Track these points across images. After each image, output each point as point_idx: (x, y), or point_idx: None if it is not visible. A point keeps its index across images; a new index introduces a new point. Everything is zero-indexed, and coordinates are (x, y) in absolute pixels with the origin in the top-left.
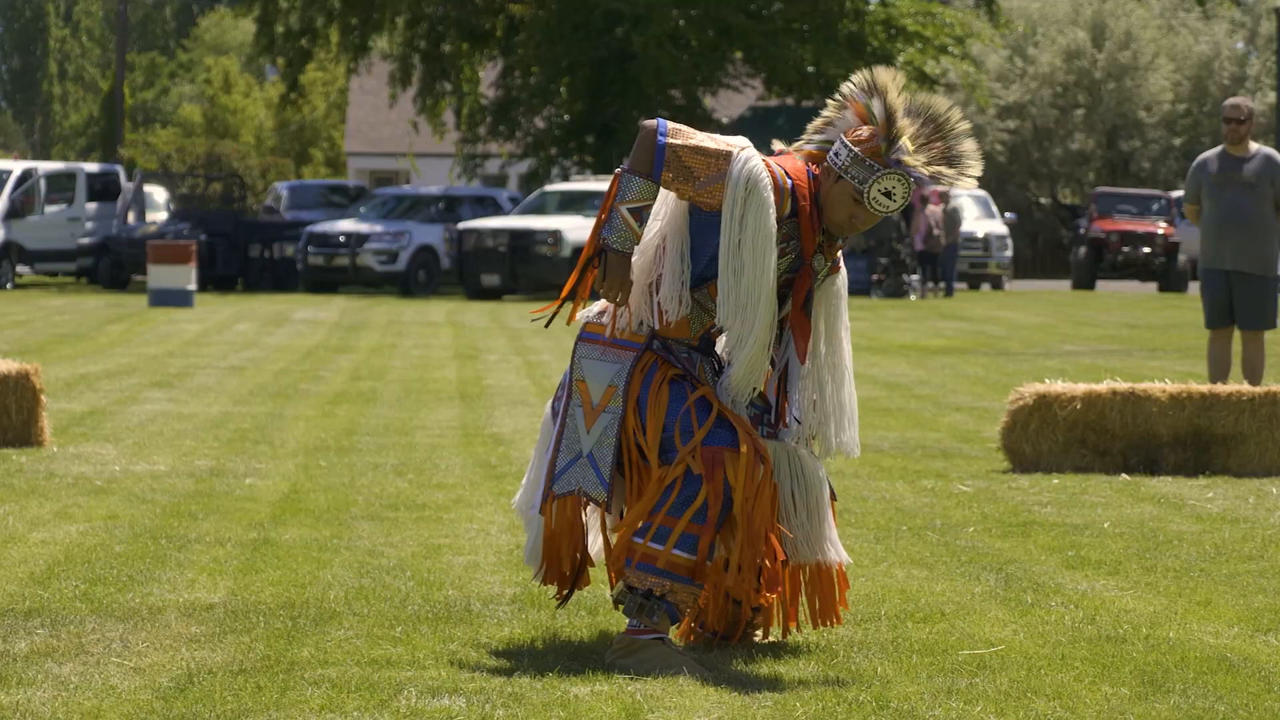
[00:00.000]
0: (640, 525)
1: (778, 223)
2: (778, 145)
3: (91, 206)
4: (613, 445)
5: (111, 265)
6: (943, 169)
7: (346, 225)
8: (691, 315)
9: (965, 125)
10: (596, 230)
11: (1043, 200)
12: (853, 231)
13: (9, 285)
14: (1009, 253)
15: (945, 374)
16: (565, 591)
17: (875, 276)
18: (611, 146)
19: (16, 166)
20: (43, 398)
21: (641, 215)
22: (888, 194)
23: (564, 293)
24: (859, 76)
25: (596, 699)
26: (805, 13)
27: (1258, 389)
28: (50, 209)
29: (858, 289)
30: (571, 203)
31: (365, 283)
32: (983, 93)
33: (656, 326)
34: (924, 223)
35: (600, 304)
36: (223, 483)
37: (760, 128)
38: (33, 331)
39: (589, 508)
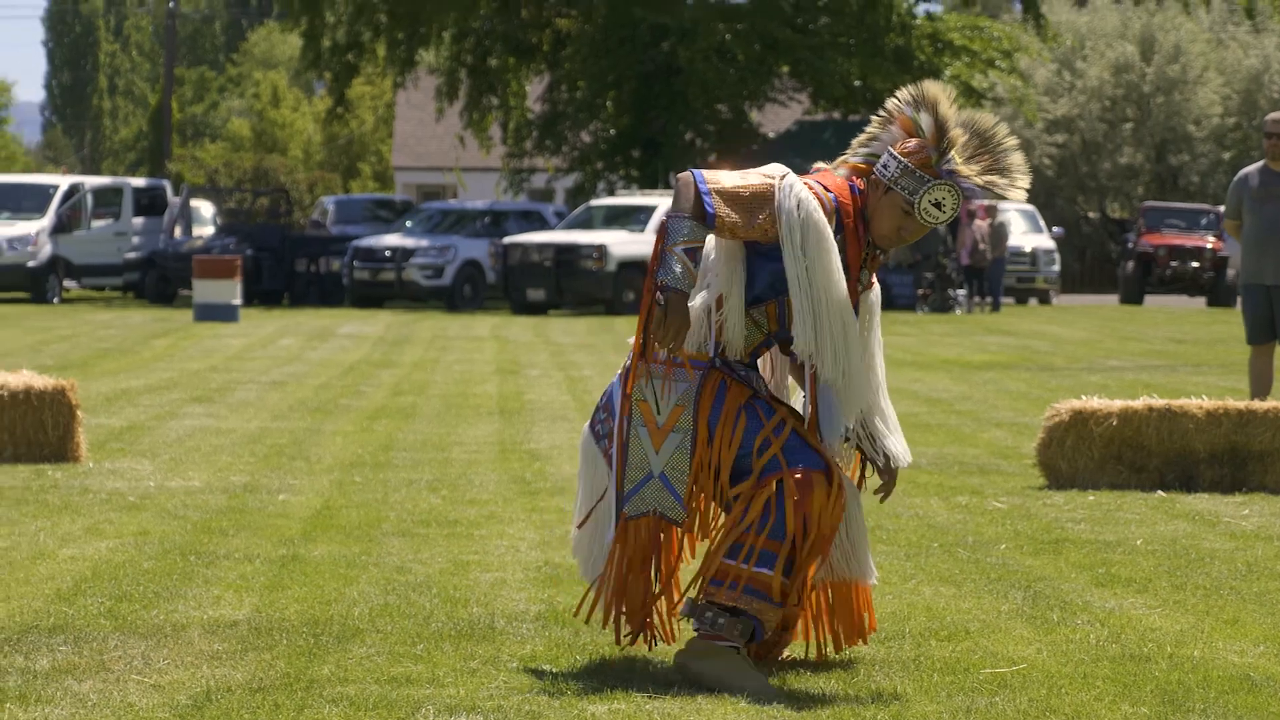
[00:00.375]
0: (730, 545)
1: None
2: (817, 165)
3: (138, 221)
4: (686, 464)
5: (158, 280)
6: (995, 179)
7: (392, 240)
8: (746, 334)
9: (1013, 139)
10: (651, 274)
11: (1091, 215)
12: (900, 243)
13: (56, 300)
14: (1056, 267)
15: (987, 389)
16: (639, 622)
17: (921, 291)
18: (657, 161)
19: (64, 181)
20: (79, 413)
21: (695, 256)
22: (938, 204)
23: (636, 349)
24: (905, 91)
25: (614, 717)
26: (851, 27)
27: None
28: (97, 224)
29: (903, 304)
30: (617, 217)
31: (411, 297)
32: (1030, 107)
33: (713, 350)
34: (970, 237)
35: None
36: (256, 499)
37: (806, 142)
38: (78, 346)
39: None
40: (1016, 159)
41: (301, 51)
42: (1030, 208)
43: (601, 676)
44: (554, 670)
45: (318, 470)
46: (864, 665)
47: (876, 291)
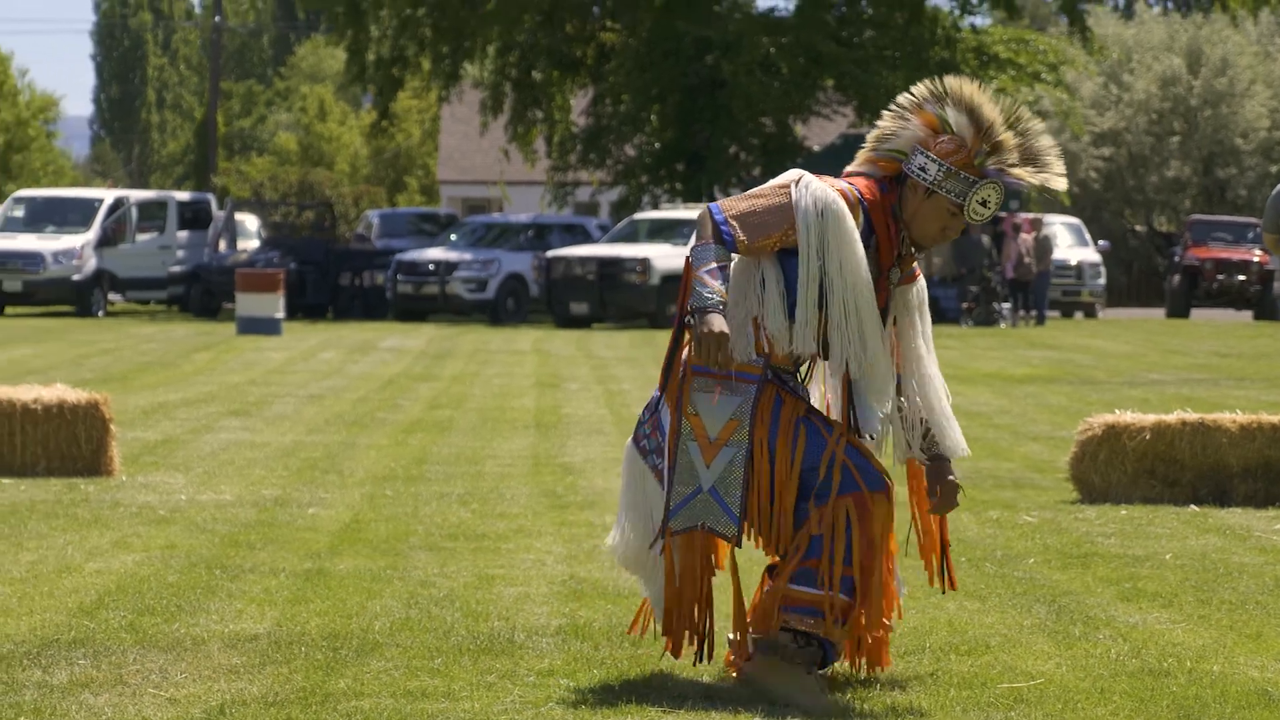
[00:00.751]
0: (801, 571)
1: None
2: (848, 170)
3: (183, 235)
4: (740, 480)
5: (202, 293)
6: (1037, 173)
7: (435, 253)
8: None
9: (1038, 123)
10: (683, 302)
11: (1138, 228)
12: (944, 240)
13: (101, 313)
14: (1102, 280)
15: (1027, 403)
16: (700, 646)
17: (965, 305)
18: (701, 174)
19: (108, 195)
20: (112, 427)
21: (721, 274)
22: (984, 203)
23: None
24: (922, 86)
25: None
26: (896, 40)
27: None
28: (141, 237)
29: (951, 316)
30: (661, 230)
31: (454, 311)
32: (1076, 120)
33: (756, 356)
34: (1015, 250)
35: None
36: (286, 512)
37: (850, 155)
38: (119, 359)
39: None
40: (1046, 142)
41: (346, 65)
42: (1076, 221)
43: (618, 691)
44: (571, 684)
45: (349, 484)
46: (883, 679)
47: (920, 286)
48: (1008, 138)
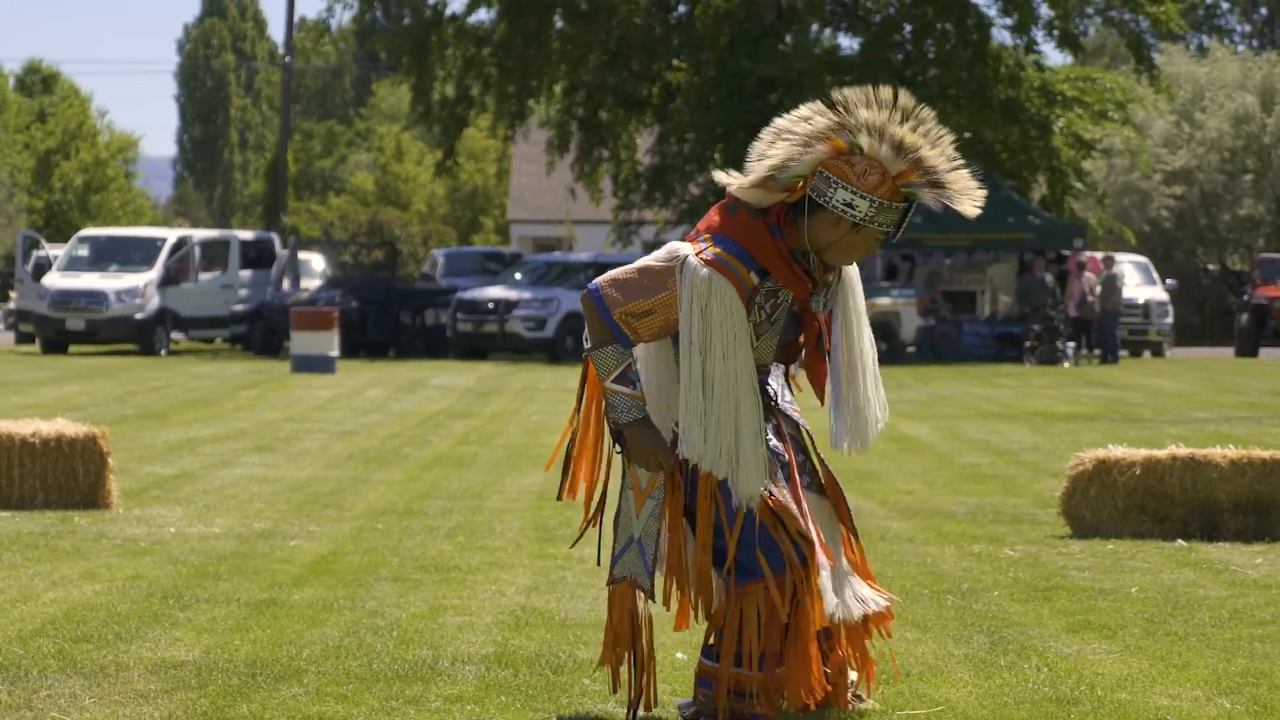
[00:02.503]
0: (707, 645)
1: (754, 293)
2: (720, 177)
3: (246, 274)
4: (655, 534)
5: (264, 332)
6: (962, 196)
7: (495, 292)
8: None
9: (931, 118)
10: (597, 420)
11: (1210, 267)
12: (842, 258)
13: (163, 352)
14: (1169, 319)
15: (1060, 441)
16: (633, 694)
17: (1029, 344)
18: None
19: (172, 234)
20: (110, 461)
21: (629, 379)
22: (910, 225)
23: (586, 519)
24: (810, 108)
25: None
26: (960, 79)
27: None
28: (204, 276)
29: (1011, 356)
30: None
31: (514, 349)
32: (1145, 159)
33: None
34: (1078, 289)
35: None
36: (267, 544)
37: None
38: (165, 397)
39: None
40: (963, 169)
41: (411, 104)
42: (1144, 260)
43: (516, 717)
44: (476, 710)
45: (346, 518)
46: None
47: (853, 273)
48: (929, 154)
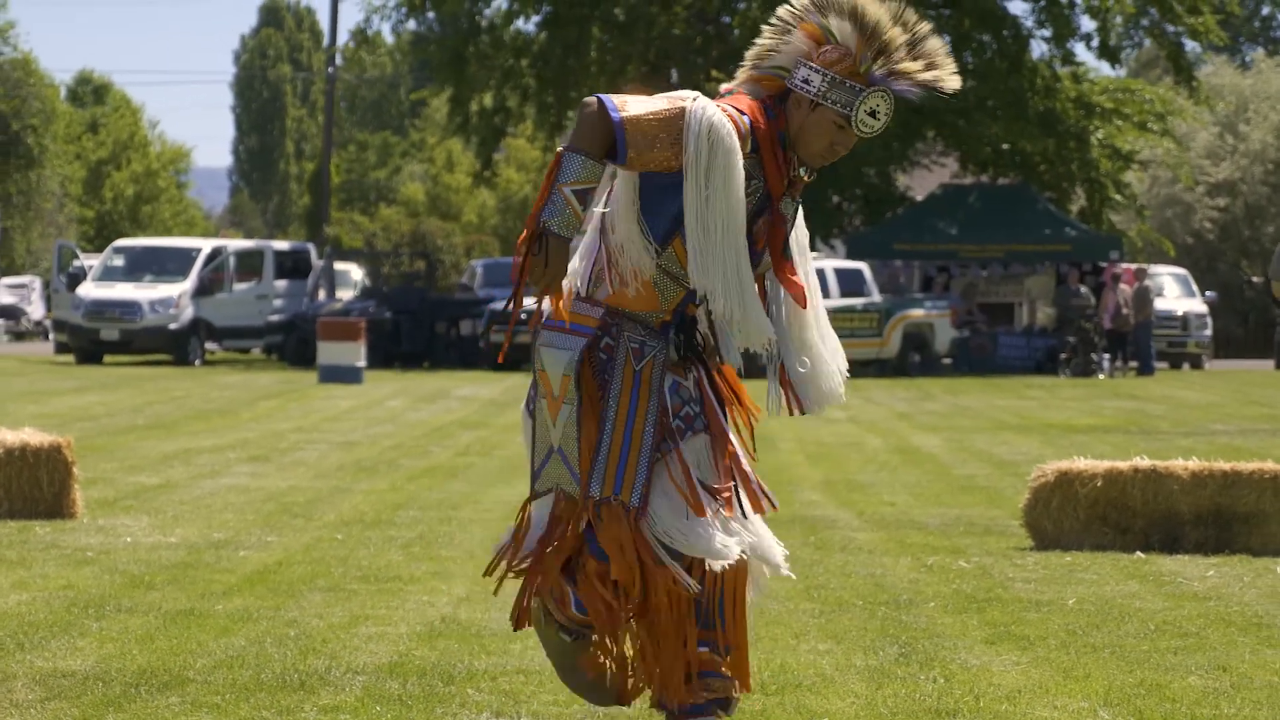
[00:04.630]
0: None
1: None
2: (726, 87)
3: (281, 284)
4: (575, 436)
5: (298, 342)
6: (936, 74)
7: (529, 302)
8: (660, 285)
9: (925, 25)
10: (536, 212)
11: (1255, 279)
12: (832, 158)
13: (197, 362)
14: (1208, 331)
15: (1067, 453)
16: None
17: (1063, 355)
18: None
19: (207, 244)
20: (75, 470)
21: (585, 198)
22: (873, 113)
23: (515, 292)
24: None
25: None
26: (996, 90)
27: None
28: (239, 286)
29: (1047, 368)
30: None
31: None
32: (1186, 171)
33: (611, 293)
34: (1113, 301)
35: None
36: (215, 554)
37: (952, 205)
38: (182, 407)
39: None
40: (935, 44)
41: (448, 115)
42: (1182, 271)
43: None
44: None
45: (310, 527)
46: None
47: (800, 216)
48: (894, 35)
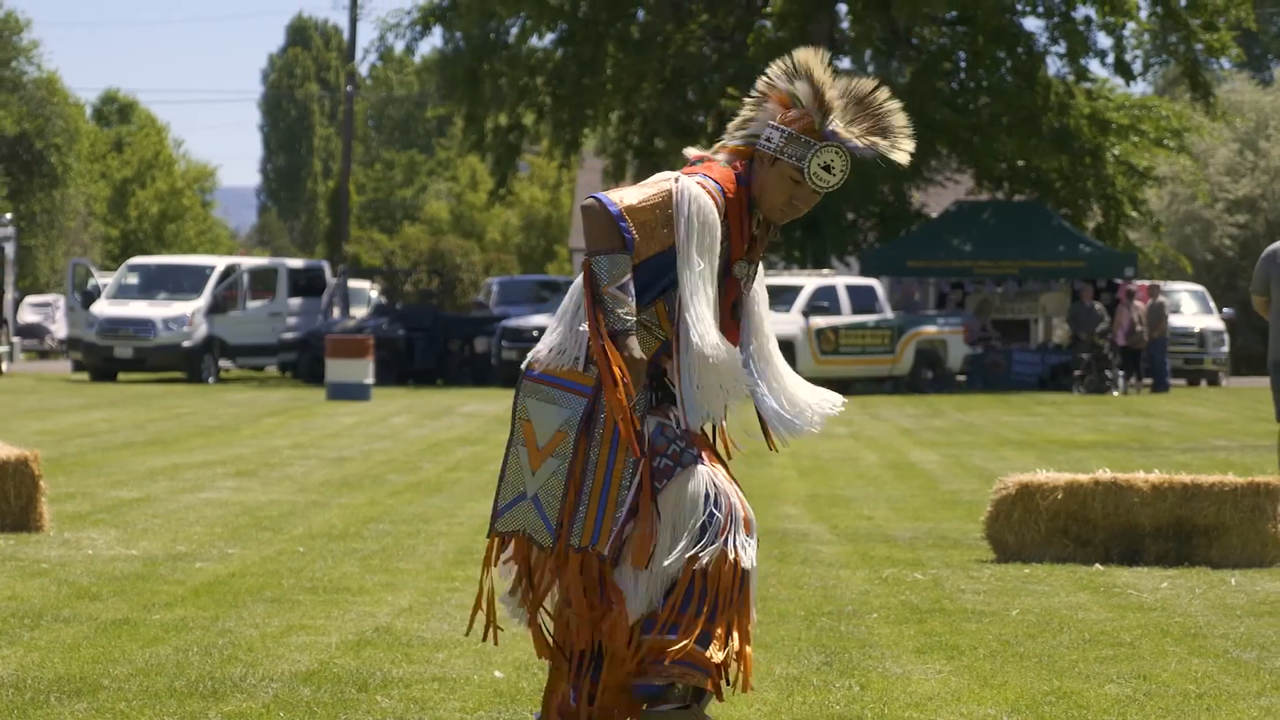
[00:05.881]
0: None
1: None
2: (697, 155)
3: (295, 302)
4: (559, 493)
5: (311, 360)
6: (877, 140)
7: (540, 320)
8: (639, 339)
9: (894, 102)
10: (597, 327)
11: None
12: (794, 214)
13: (211, 379)
14: (1225, 348)
15: (1061, 468)
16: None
17: (1077, 373)
18: (818, 240)
19: (220, 262)
20: (42, 483)
21: (627, 288)
22: (827, 168)
23: (624, 408)
24: (776, 66)
25: None
26: (1010, 106)
27: (1241, 480)
28: (253, 304)
29: (1062, 385)
30: (772, 297)
31: None
32: (1203, 188)
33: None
34: (1127, 318)
35: (545, 344)
36: (171, 566)
37: (966, 221)
38: (185, 424)
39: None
40: (899, 120)
41: (463, 133)
42: (1199, 288)
43: None
44: None
45: (276, 540)
46: None
47: (761, 273)
48: (833, 97)
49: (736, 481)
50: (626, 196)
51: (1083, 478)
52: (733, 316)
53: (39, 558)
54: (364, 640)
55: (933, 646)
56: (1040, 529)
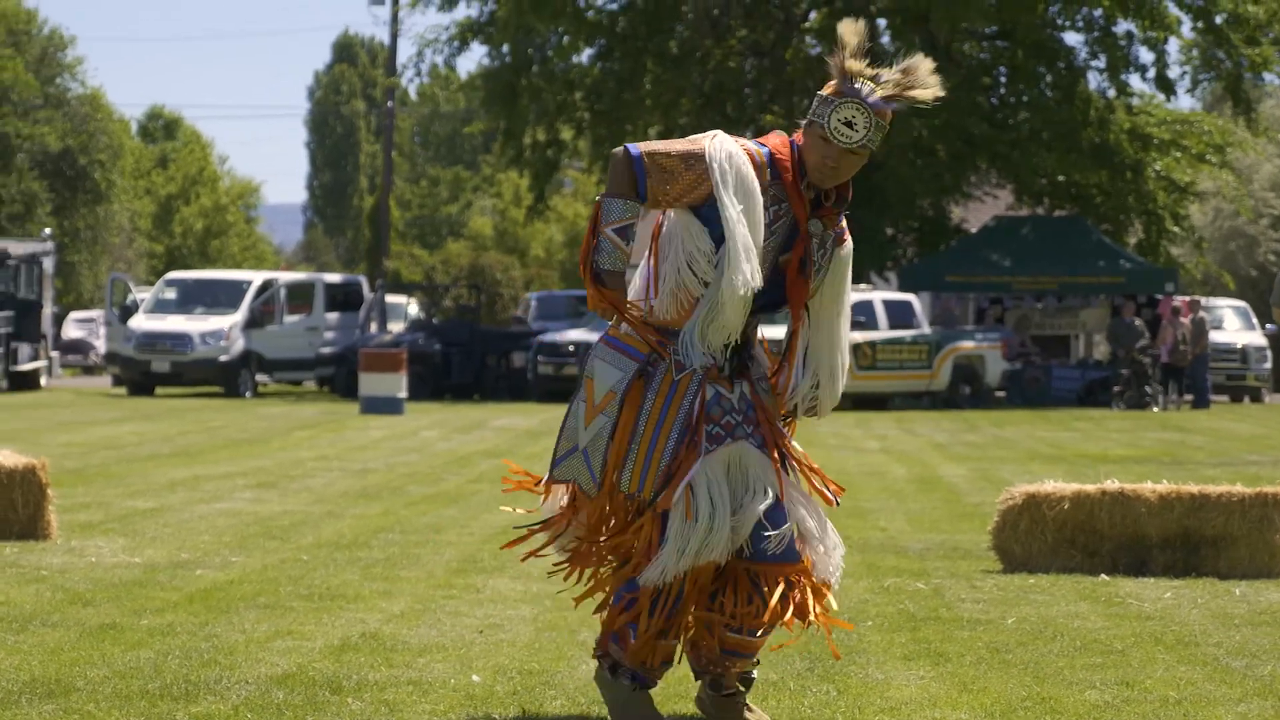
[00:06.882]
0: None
1: (762, 189)
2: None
3: (333, 316)
4: (602, 447)
5: (347, 374)
6: (898, 92)
7: (576, 334)
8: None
9: (922, 60)
10: (585, 258)
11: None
12: (834, 177)
13: (248, 394)
14: (1268, 364)
15: (1088, 483)
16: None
17: (1116, 388)
18: (856, 255)
19: (258, 277)
20: (50, 492)
21: (626, 234)
22: (848, 123)
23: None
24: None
25: None
26: (1050, 121)
27: (1248, 490)
28: (290, 319)
29: (1101, 400)
30: None
31: None
32: (1245, 204)
33: (663, 314)
34: (1171, 335)
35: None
36: (171, 574)
37: (1005, 237)
38: (215, 436)
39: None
40: (924, 68)
41: (501, 147)
42: (1242, 304)
43: None
44: None
45: (282, 549)
46: None
47: (848, 248)
48: (853, 59)
49: (805, 470)
50: (653, 145)
51: (1090, 488)
52: (800, 269)
53: (41, 565)
54: (347, 645)
55: (920, 653)
56: (1047, 539)
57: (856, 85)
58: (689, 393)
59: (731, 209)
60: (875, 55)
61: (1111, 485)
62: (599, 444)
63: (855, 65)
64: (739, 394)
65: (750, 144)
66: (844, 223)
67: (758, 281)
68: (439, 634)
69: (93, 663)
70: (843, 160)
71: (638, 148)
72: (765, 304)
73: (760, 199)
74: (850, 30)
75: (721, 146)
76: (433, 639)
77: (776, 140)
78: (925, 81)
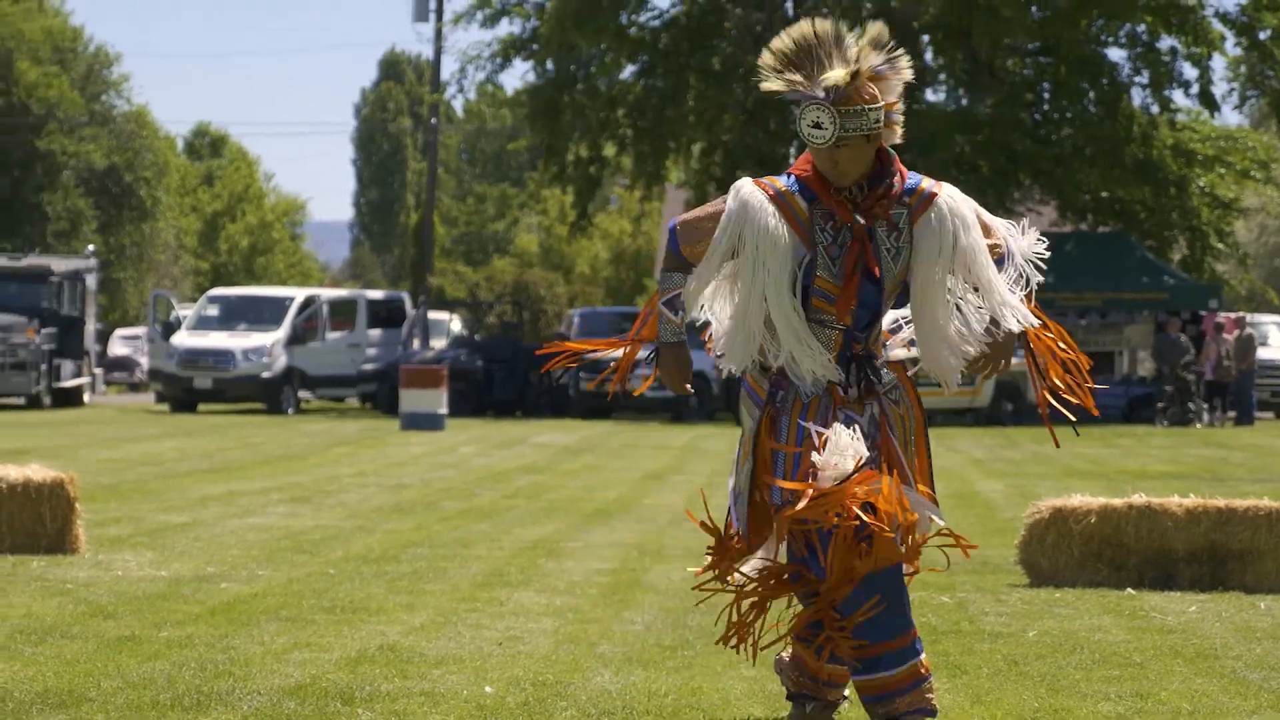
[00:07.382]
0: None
1: (803, 216)
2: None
3: (375, 333)
4: (745, 490)
5: (390, 390)
6: (852, 74)
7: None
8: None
9: (873, 31)
10: (653, 333)
11: None
12: (842, 176)
13: (291, 410)
14: None
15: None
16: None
17: (1160, 405)
18: None
19: (300, 293)
20: (78, 506)
21: (675, 305)
22: (816, 125)
23: (619, 371)
24: None
25: None
26: (1093, 137)
27: (1275, 504)
28: (332, 335)
29: (1145, 417)
30: None
31: (636, 408)
32: None
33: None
34: (1215, 352)
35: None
36: (195, 587)
37: (1049, 253)
38: (255, 452)
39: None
40: (870, 33)
41: (543, 164)
42: None
43: None
44: None
45: (310, 563)
46: None
47: (940, 209)
48: (836, 74)
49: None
50: (694, 212)
51: (1116, 502)
52: (853, 269)
53: (66, 578)
54: (364, 656)
55: (938, 666)
56: (1074, 553)
57: (824, 84)
58: (818, 417)
59: (749, 275)
60: (917, 74)
61: (1138, 499)
62: (743, 486)
63: (838, 76)
64: (869, 416)
65: (776, 181)
66: (924, 183)
67: (751, 351)
68: (457, 646)
69: (107, 674)
70: (840, 156)
71: (674, 221)
72: (870, 318)
73: (783, 239)
74: (858, 45)
75: (737, 195)
76: (450, 651)
77: (800, 163)
78: (868, 49)
